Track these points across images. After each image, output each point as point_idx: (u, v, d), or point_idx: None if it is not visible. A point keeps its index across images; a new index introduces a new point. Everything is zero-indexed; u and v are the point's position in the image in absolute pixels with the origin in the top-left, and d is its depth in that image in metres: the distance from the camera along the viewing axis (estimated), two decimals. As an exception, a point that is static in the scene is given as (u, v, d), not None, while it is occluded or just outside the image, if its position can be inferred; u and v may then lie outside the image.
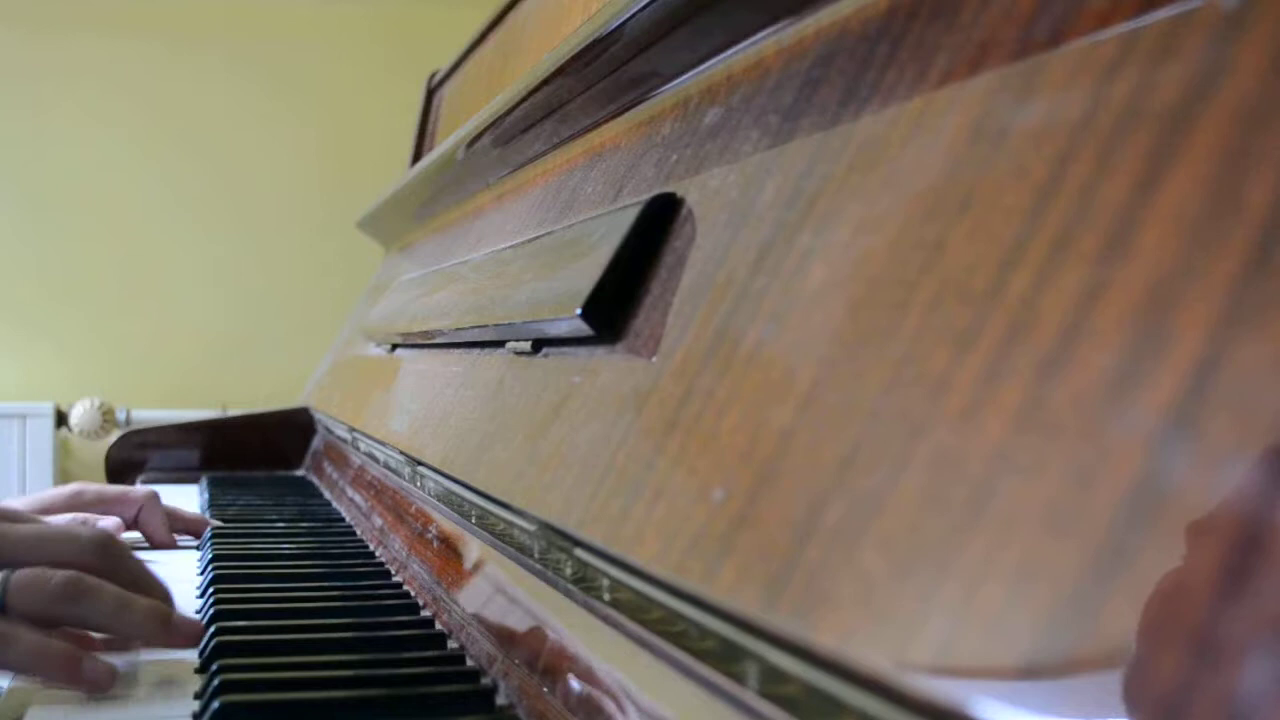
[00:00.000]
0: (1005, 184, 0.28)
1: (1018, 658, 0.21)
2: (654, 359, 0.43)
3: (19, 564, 0.55)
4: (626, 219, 0.50)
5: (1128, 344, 0.22)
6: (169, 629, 0.56)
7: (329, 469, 1.22)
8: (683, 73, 0.54)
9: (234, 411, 1.61)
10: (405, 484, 0.80)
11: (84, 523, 0.83)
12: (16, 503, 0.82)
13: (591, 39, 0.57)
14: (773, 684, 0.29)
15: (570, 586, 0.45)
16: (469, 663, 0.55)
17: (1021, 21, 0.31)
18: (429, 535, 0.71)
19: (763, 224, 0.40)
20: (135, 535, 0.92)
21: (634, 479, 0.39)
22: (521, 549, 0.51)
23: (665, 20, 0.51)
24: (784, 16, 0.44)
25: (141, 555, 0.67)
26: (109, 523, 0.86)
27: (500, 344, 0.64)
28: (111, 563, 0.58)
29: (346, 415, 1.08)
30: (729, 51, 0.49)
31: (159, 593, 0.60)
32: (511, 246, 0.73)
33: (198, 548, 0.91)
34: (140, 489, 0.93)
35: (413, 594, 0.69)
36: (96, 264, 2.39)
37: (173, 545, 0.91)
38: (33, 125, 2.36)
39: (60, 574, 0.55)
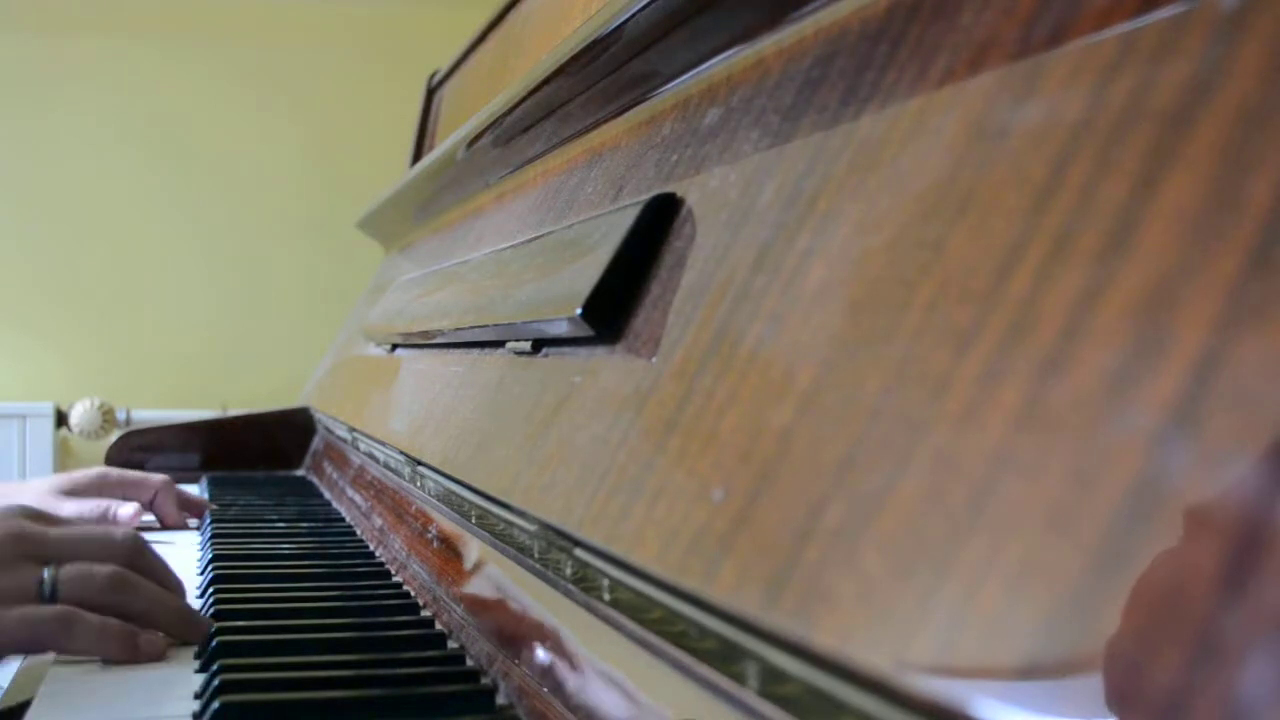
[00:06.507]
0: (1005, 184, 0.28)
1: (1018, 658, 0.21)
2: (654, 359, 0.43)
3: (63, 561, 0.62)
4: (626, 219, 0.50)
5: (1128, 344, 0.22)
6: (191, 625, 0.63)
7: (329, 469, 1.22)
8: (683, 73, 0.54)
9: (234, 411, 1.61)
10: (405, 484, 0.80)
11: (107, 509, 0.96)
12: (44, 483, 0.96)
13: (591, 39, 0.57)
14: (773, 684, 0.29)
15: (570, 586, 0.45)
16: (469, 663, 0.55)
17: (1021, 21, 0.31)
18: (429, 535, 0.71)
19: (763, 224, 0.40)
20: (148, 518, 1.04)
21: (634, 479, 0.39)
22: (521, 549, 0.51)
23: (665, 20, 0.51)
24: (784, 16, 0.44)
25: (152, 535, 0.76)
26: (129, 508, 0.98)
27: (500, 344, 0.64)
28: (141, 563, 0.66)
29: (346, 415, 1.08)
30: (729, 51, 0.49)
31: (178, 591, 0.67)
32: (511, 246, 0.73)
33: (198, 528, 1.01)
34: (156, 476, 1.05)
35: (412, 594, 0.69)
36: (96, 264, 2.39)
37: (183, 527, 1.03)
38: (32, 127, 2.36)
39: (106, 568, 0.62)
